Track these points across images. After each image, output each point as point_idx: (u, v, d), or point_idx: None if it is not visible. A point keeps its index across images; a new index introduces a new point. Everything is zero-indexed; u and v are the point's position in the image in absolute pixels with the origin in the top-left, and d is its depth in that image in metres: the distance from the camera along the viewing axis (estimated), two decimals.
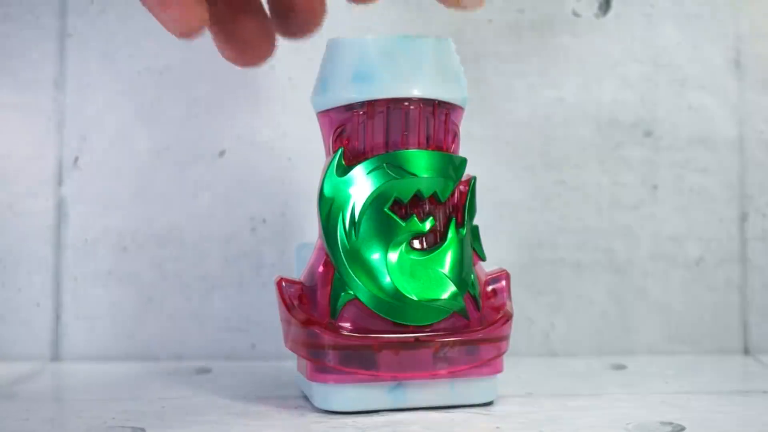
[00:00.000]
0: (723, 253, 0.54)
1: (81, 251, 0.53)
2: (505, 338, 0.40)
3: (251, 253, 0.53)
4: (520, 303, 0.53)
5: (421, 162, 0.39)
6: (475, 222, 0.41)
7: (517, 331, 0.52)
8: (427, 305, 0.38)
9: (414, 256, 0.39)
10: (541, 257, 0.54)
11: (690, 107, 0.54)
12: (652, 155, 0.54)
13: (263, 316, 0.52)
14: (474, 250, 0.41)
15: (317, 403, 0.39)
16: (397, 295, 0.38)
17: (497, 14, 0.54)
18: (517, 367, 0.47)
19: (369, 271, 0.38)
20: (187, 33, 0.39)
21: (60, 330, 0.52)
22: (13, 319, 0.52)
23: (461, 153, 0.40)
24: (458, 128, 0.40)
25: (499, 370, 0.40)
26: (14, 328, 0.52)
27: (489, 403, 0.40)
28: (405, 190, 0.39)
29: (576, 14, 0.54)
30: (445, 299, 0.39)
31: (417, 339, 0.38)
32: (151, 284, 0.53)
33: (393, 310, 0.38)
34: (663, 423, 0.37)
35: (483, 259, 0.41)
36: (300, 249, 0.44)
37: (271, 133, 0.53)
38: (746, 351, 0.53)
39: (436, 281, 0.39)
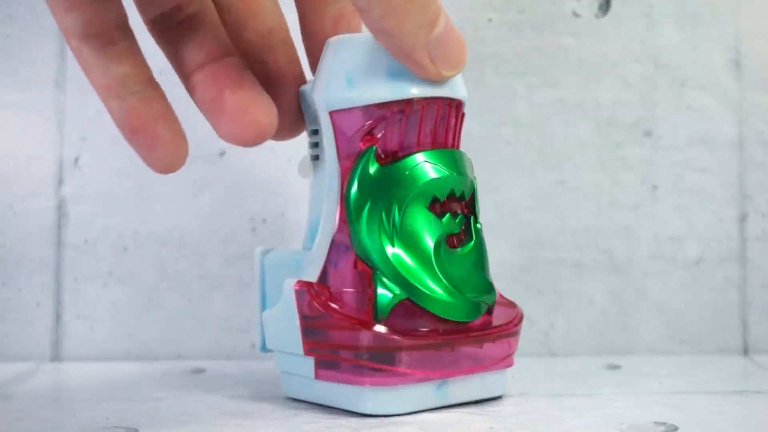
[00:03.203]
0: (723, 253, 0.54)
1: (81, 251, 0.53)
2: (519, 333, 0.41)
3: (251, 253, 0.53)
4: (520, 303, 0.52)
5: (452, 160, 0.39)
6: None
7: None
8: (475, 301, 0.39)
9: (453, 254, 0.38)
10: (541, 257, 0.54)
11: (690, 107, 0.54)
12: (652, 155, 0.54)
13: None
14: None
15: (369, 410, 0.37)
16: (452, 293, 0.38)
17: (497, 14, 0.54)
18: (513, 367, 0.47)
19: (419, 271, 0.37)
20: (171, 171, 0.41)
21: (60, 330, 0.53)
22: (13, 319, 0.53)
23: None
24: None
25: (512, 364, 0.41)
26: (14, 328, 0.53)
27: (500, 396, 0.41)
28: (442, 188, 0.38)
29: (576, 14, 0.54)
30: (488, 295, 0.39)
31: (468, 335, 0.38)
32: (151, 284, 0.53)
33: (448, 308, 0.38)
34: (657, 423, 0.36)
35: None
36: (264, 254, 0.43)
37: None
38: (746, 351, 0.53)
39: (479, 278, 0.39)
